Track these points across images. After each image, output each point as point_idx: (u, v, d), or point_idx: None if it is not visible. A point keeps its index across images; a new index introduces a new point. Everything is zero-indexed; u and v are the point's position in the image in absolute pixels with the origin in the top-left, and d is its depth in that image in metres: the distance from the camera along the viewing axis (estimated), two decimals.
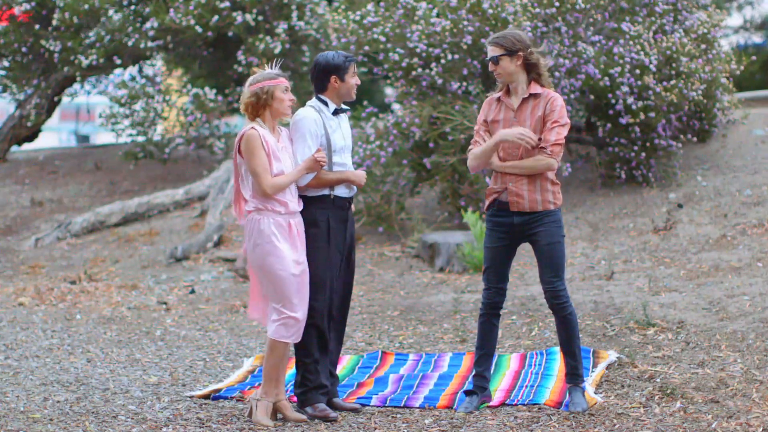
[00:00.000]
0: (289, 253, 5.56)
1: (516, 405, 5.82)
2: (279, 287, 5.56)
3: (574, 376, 5.74)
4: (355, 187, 5.89)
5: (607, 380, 6.19)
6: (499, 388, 6.09)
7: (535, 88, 5.69)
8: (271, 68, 5.74)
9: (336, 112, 5.80)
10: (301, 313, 5.60)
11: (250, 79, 5.65)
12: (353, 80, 5.78)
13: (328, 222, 5.72)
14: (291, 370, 6.69)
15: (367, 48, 11.34)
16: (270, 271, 5.55)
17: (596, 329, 7.41)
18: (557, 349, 6.82)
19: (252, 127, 5.55)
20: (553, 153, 5.61)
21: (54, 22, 14.22)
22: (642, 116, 10.82)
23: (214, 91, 14.29)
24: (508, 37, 5.69)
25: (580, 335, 7.30)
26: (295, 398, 5.87)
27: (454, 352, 7.02)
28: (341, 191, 5.77)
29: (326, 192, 5.73)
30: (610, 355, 6.63)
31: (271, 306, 5.63)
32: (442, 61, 10.76)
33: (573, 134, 12.23)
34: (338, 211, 5.76)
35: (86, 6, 14.04)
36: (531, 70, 5.69)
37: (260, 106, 5.60)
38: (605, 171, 11.61)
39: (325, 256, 5.70)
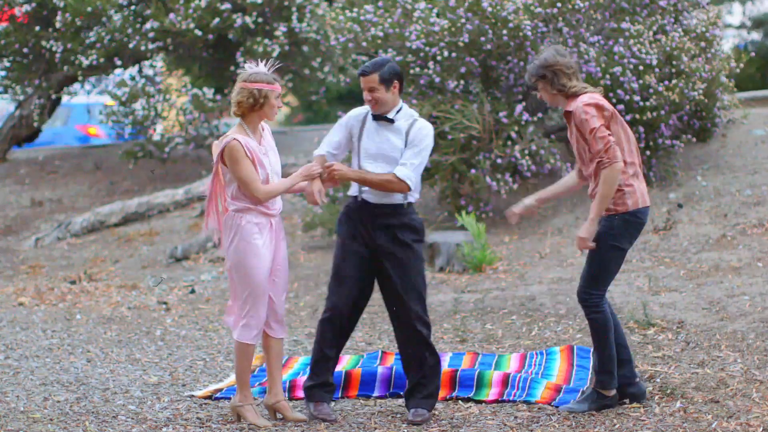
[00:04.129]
0: (267, 253, 5.51)
1: (513, 402, 5.83)
2: (251, 287, 5.49)
3: (596, 379, 5.61)
4: (387, 195, 5.62)
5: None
6: (493, 388, 6.08)
7: (570, 105, 5.50)
8: (265, 66, 5.62)
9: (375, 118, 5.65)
10: (261, 324, 5.54)
11: (245, 75, 5.53)
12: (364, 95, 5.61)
13: (350, 220, 5.64)
14: (291, 369, 6.71)
15: (365, 44, 11.33)
16: (245, 270, 5.48)
17: None
18: (557, 348, 6.83)
19: (234, 138, 5.44)
20: (609, 159, 5.35)
21: (57, 24, 14.23)
22: (648, 115, 10.81)
23: (213, 90, 14.29)
24: (534, 64, 5.55)
25: (580, 335, 7.31)
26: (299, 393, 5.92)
27: (454, 352, 7.01)
28: (366, 195, 5.63)
29: (355, 193, 5.67)
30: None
31: (237, 306, 5.55)
32: (438, 58, 10.74)
33: None
34: (362, 212, 5.62)
35: (89, 8, 14.05)
36: (561, 90, 5.53)
37: (252, 107, 5.51)
38: None
39: (348, 252, 5.62)
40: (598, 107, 5.44)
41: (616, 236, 5.46)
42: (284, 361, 6.92)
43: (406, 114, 5.62)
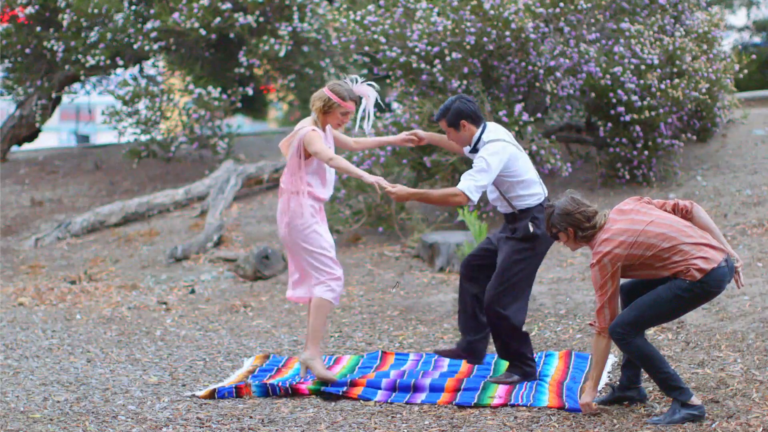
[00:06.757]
0: (321, 227, 6.35)
1: (517, 406, 5.82)
2: (319, 255, 6.31)
3: (672, 399, 5.44)
4: (500, 206, 6.21)
5: (608, 380, 6.19)
6: (497, 393, 6.06)
7: (593, 250, 5.48)
8: (354, 83, 6.39)
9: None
10: (340, 272, 6.38)
11: (333, 83, 6.38)
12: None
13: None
14: (291, 369, 6.72)
15: (367, 48, 11.33)
16: (311, 243, 6.31)
17: None
18: (557, 353, 6.81)
19: (313, 129, 6.23)
20: (599, 327, 5.45)
21: (64, 23, 14.22)
22: (645, 114, 10.81)
23: (219, 89, 14.28)
24: (551, 220, 5.56)
25: (580, 335, 7.31)
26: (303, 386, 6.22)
27: None
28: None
29: None
30: (610, 356, 6.63)
31: (315, 274, 6.37)
32: (447, 59, 10.71)
33: (573, 134, 12.25)
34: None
35: (95, 10, 14.04)
36: (583, 238, 5.53)
37: (321, 110, 6.32)
38: (605, 171, 11.61)
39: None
40: (608, 255, 5.36)
41: (675, 295, 5.38)
42: (284, 361, 6.94)
43: (484, 140, 6.12)
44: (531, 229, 6.05)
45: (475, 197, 5.92)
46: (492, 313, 6.11)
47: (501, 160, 5.98)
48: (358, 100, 6.40)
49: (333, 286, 6.35)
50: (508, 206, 6.16)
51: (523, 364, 6.22)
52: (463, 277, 6.34)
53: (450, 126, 6.14)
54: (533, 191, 6.13)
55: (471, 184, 5.91)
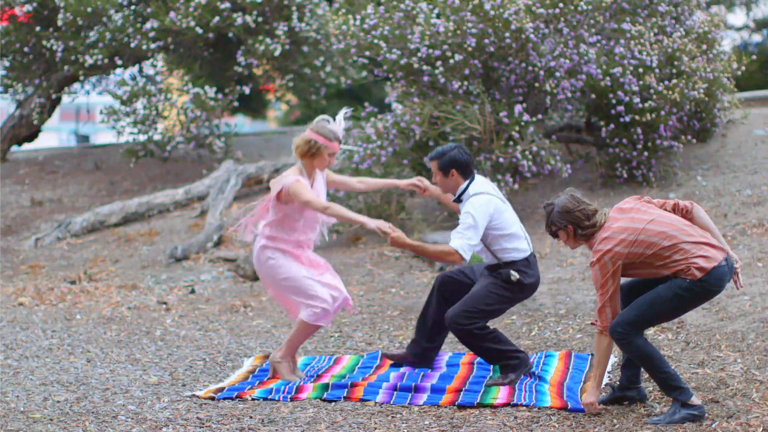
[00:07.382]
0: (286, 261, 6.37)
1: (519, 406, 5.81)
2: (294, 281, 6.33)
3: (672, 399, 5.44)
4: (485, 257, 6.33)
5: (608, 381, 6.19)
6: (499, 395, 6.06)
7: (593, 249, 5.48)
8: (336, 124, 6.41)
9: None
10: (328, 302, 6.34)
11: (314, 125, 6.38)
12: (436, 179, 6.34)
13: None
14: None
15: (368, 53, 11.32)
16: (281, 279, 6.35)
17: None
18: (557, 354, 6.81)
19: (297, 180, 6.21)
20: (600, 325, 5.46)
21: (58, 23, 14.22)
22: (647, 116, 10.82)
23: (215, 89, 14.28)
24: (551, 217, 5.56)
25: (580, 335, 7.31)
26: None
27: (454, 352, 7.02)
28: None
29: None
30: (610, 357, 6.62)
31: (297, 299, 6.41)
32: (450, 62, 10.70)
33: (573, 134, 12.25)
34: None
35: (89, 9, 14.04)
36: (583, 237, 5.53)
37: (306, 153, 6.31)
38: (605, 171, 11.61)
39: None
40: (609, 254, 5.36)
41: (674, 294, 5.38)
42: None
43: (469, 192, 6.25)
44: (516, 276, 6.18)
45: (468, 255, 6.07)
46: (453, 328, 6.25)
47: (487, 213, 6.13)
48: (341, 140, 6.43)
49: (316, 307, 6.36)
50: (492, 258, 6.28)
51: (509, 360, 6.24)
52: (436, 290, 6.51)
53: (440, 169, 6.26)
54: (518, 245, 6.25)
55: (464, 243, 6.05)
